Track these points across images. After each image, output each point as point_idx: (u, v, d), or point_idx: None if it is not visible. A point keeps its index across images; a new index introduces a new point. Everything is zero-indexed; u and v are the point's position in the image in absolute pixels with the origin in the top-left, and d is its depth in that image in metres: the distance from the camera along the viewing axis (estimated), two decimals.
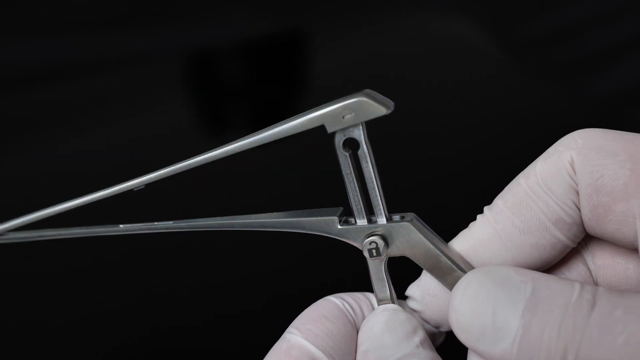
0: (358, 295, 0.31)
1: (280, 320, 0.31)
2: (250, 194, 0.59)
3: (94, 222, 0.33)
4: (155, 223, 0.32)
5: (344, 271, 0.31)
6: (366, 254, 0.30)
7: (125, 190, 0.31)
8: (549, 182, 0.29)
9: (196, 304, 0.55)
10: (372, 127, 0.30)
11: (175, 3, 0.71)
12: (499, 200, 0.30)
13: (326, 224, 0.30)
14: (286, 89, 0.70)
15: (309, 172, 0.60)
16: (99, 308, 0.55)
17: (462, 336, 0.28)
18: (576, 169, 0.29)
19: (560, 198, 0.29)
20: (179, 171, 0.31)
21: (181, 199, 0.55)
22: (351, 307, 0.30)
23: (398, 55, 0.69)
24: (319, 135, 0.29)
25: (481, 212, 0.31)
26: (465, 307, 0.27)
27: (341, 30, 0.70)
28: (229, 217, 0.32)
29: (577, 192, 0.29)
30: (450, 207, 0.58)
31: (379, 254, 0.30)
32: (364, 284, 0.32)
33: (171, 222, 0.32)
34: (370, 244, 0.30)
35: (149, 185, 0.31)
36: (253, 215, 0.31)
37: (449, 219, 0.35)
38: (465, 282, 0.28)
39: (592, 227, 0.29)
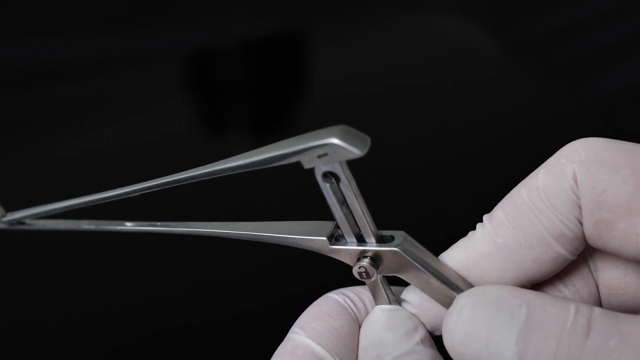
0: (359, 289, 0.31)
1: (281, 320, 0.31)
2: (251, 194, 0.59)
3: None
4: (158, 223, 0.32)
5: (345, 270, 0.31)
6: (356, 275, 0.30)
7: (124, 196, 0.31)
8: (551, 196, 0.29)
9: (196, 304, 0.55)
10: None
11: (175, 3, 0.71)
12: (499, 211, 0.30)
13: (317, 244, 0.30)
14: (286, 88, 0.70)
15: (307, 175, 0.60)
16: (99, 308, 0.55)
17: (455, 359, 0.27)
18: (579, 184, 0.28)
19: (562, 213, 0.29)
20: (171, 185, 0.30)
21: (181, 200, 0.55)
22: (353, 302, 0.30)
23: (398, 55, 0.69)
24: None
25: (481, 217, 0.31)
26: (459, 333, 0.27)
27: (341, 30, 0.70)
28: (227, 223, 0.32)
29: (580, 207, 0.29)
30: (451, 208, 0.58)
31: (368, 277, 0.30)
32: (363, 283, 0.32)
33: (173, 224, 0.32)
34: (359, 268, 0.30)
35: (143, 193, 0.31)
36: (249, 224, 0.31)
37: (450, 221, 0.35)
38: (459, 307, 0.27)
39: (595, 241, 0.29)
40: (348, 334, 0.29)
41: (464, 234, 0.31)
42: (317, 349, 0.28)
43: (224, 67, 0.71)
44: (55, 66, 0.66)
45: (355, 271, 0.30)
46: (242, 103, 0.70)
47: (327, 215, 0.30)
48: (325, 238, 0.30)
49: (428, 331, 0.30)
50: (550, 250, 0.29)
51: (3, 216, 0.34)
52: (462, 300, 0.28)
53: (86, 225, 0.33)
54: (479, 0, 0.73)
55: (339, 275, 0.33)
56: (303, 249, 0.31)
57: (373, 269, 0.30)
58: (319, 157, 0.27)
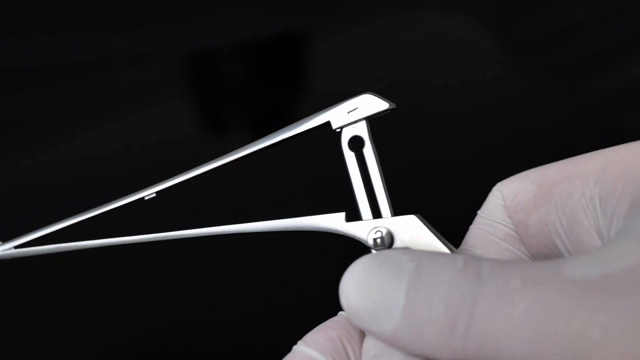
0: None
1: (284, 327, 0.32)
2: (254, 197, 0.59)
3: (102, 230, 0.34)
4: (163, 234, 0.34)
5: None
6: (371, 243, 0.31)
7: (135, 199, 0.33)
8: (489, 212, 0.33)
9: (196, 307, 0.55)
10: (372, 128, 0.31)
11: (175, 3, 0.71)
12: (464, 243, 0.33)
13: (334, 220, 0.32)
14: (287, 88, 0.70)
15: (311, 177, 0.60)
16: (97, 310, 0.55)
17: (354, 319, 0.29)
18: (502, 195, 0.32)
19: (499, 219, 0.32)
20: (188, 176, 0.32)
21: (186, 205, 0.55)
22: None
23: (398, 55, 0.69)
24: (320, 140, 0.30)
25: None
26: (353, 290, 0.28)
27: (342, 30, 0.70)
28: (238, 224, 0.33)
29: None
30: (449, 206, 0.58)
31: (383, 243, 0.31)
32: None
33: (180, 232, 0.34)
34: (375, 233, 0.31)
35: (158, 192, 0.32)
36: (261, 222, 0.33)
37: (447, 219, 0.35)
38: (353, 266, 0.29)
39: (531, 245, 0.32)
40: (347, 340, 0.30)
41: (460, 231, 0.34)
42: (313, 354, 0.30)
43: (225, 66, 0.71)
44: (55, 66, 0.66)
45: (370, 237, 0.31)
46: (243, 103, 0.70)
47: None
48: (342, 213, 0.32)
49: None
50: (502, 250, 0.32)
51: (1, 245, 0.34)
52: (356, 261, 0.29)
53: (89, 243, 0.34)
54: (480, 0, 0.73)
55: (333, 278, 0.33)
56: (319, 231, 0.32)
57: (389, 235, 0.31)
58: (349, 112, 0.31)
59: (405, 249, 0.30)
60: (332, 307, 0.32)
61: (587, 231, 0.30)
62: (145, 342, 0.54)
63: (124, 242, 0.33)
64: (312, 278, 0.54)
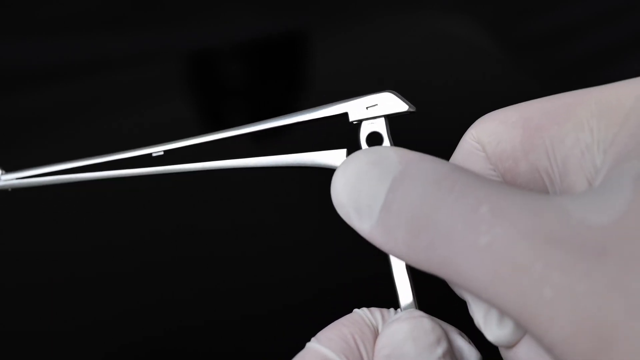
0: (385, 309, 0.32)
1: (284, 327, 0.32)
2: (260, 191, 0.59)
3: (100, 202, 0.34)
4: (164, 167, 0.33)
5: (364, 275, 0.31)
6: None
7: (144, 154, 0.33)
8: (466, 164, 0.31)
9: (197, 307, 0.55)
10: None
11: (175, 3, 0.71)
12: None
13: (335, 156, 0.32)
14: (287, 88, 0.70)
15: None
16: (98, 310, 0.55)
17: (339, 212, 0.29)
18: (479, 142, 0.31)
19: (482, 171, 0.30)
20: (199, 141, 0.33)
21: (188, 198, 0.55)
22: (372, 315, 0.31)
23: (398, 55, 0.69)
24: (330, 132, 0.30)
25: None
26: (341, 182, 0.28)
27: (342, 30, 0.70)
28: (239, 159, 0.33)
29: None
30: None
31: None
32: (376, 294, 0.32)
33: (181, 165, 0.34)
34: None
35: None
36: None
37: None
38: (345, 161, 0.29)
39: None
40: (361, 338, 0.30)
41: None
42: (325, 351, 0.29)
43: (224, 67, 0.71)
44: (55, 66, 0.66)
45: None
46: (242, 103, 0.69)
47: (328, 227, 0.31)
48: (343, 150, 0.32)
49: (450, 345, 0.31)
50: None
51: (3, 174, 0.34)
52: (350, 156, 0.29)
53: (97, 174, 0.34)
54: (480, 0, 0.73)
55: (349, 282, 0.33)
56: (319, 167, 0.32)
57: None
58: (367, 108, 0.30)
59: (399, 148, 0.29)
60: (332, 307, 0.32)
61: (580, 179, 0.28)
62: (146, 343, 0.54)
63: (128, 175, 0.33)
64: (312, 278, 0.54)
